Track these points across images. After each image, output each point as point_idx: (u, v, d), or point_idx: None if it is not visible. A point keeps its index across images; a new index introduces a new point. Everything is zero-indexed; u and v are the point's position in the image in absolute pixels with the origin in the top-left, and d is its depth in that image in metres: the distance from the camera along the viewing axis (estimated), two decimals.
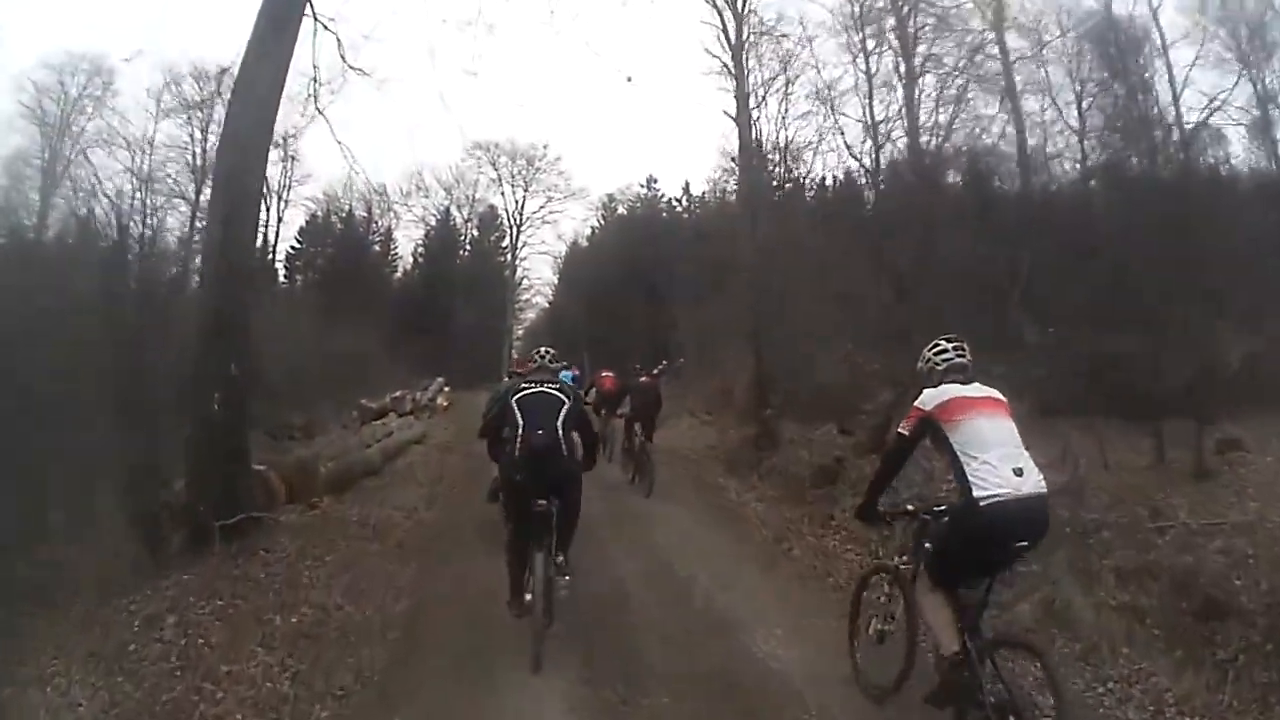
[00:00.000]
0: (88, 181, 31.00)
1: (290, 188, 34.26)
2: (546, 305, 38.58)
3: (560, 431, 3.83)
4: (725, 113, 18.54)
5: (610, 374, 11.13)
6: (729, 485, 9.22)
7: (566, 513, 3.96)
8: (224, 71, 30.64)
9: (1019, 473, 2.78)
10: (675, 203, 38.08)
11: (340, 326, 25.21)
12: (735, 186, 19.89)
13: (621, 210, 38.00)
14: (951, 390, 2.98)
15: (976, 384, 3.04)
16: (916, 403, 3.05)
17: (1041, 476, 2.87)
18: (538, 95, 54.30)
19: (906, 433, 3.05)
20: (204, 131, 32.28)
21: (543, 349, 4.54)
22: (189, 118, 31.52)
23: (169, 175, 29.81)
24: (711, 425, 13.27)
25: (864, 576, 3.85)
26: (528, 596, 3.89)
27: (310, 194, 36.41)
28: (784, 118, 16.44)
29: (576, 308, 34.75)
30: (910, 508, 3.29)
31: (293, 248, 35.55)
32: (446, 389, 20.21)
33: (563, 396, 3.94)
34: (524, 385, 4.00)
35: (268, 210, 33.56)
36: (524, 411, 3.83)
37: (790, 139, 16.45)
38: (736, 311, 14.89)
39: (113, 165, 38.08)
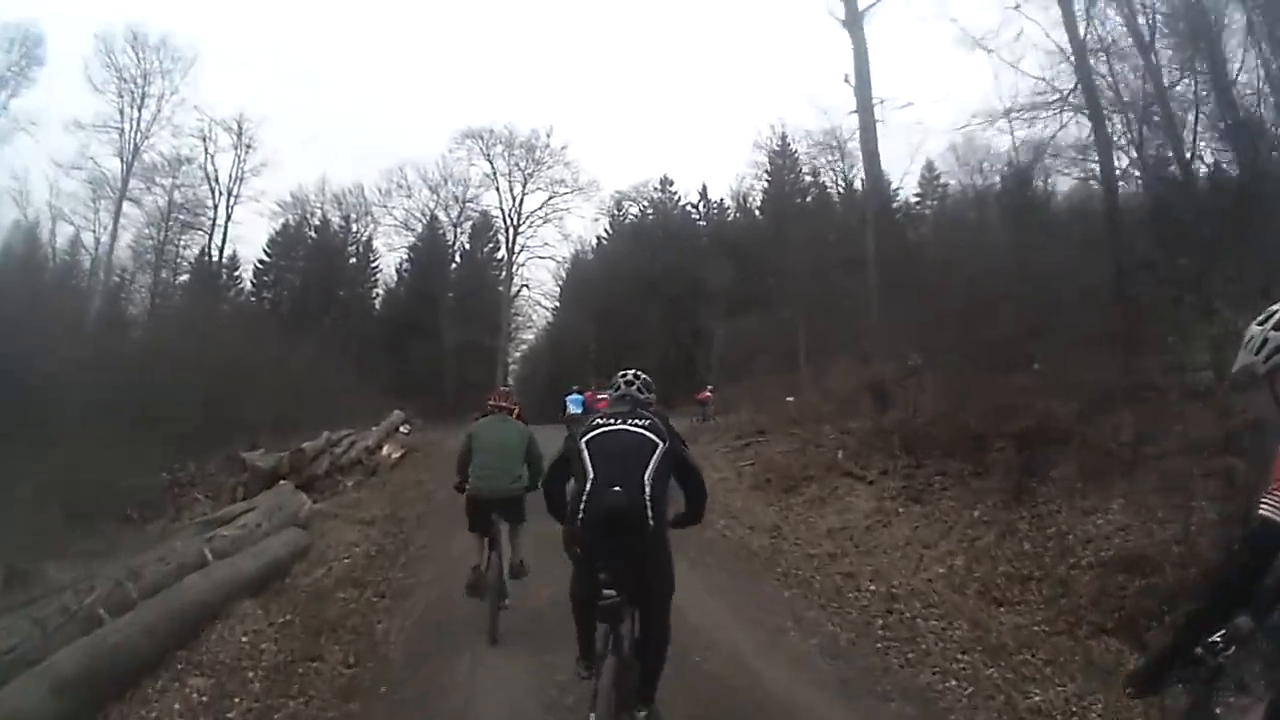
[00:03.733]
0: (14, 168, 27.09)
1: (242, 179, 28.49)
2: (547, 322, 33.54)
3: (648, 489, 2.81)
4: (832, 14, 16.41)
5: (605, 396, 8.21)
6: None
7: (650, 626, 2.92)
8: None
9: None
10: (693, 208, 32.91)
11: (302, 349, 21.30)
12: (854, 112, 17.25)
13: (634, 213, 32.87)
14: None
15: None
16: None
17: None
18: (540, 74, 48.39)
19: None
20: (138, 108, 27.44)
21: (631, 373, 3.36)
22: (119, 90, 26.82)
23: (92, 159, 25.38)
24: (926, 508, 7.11)
25: None
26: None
27: (266, 186, 31.39)
28: None
29: (583, 323, 29.78)
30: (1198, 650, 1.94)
31: (261, 261, 30.34)
32: (404, 428, 14.87)
33: (654, 437, 2.94)
34: (599, 421, 3.05)
35: (215, 207, 28.26)
36: (596, 458, 2.88)
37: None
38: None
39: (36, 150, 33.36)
